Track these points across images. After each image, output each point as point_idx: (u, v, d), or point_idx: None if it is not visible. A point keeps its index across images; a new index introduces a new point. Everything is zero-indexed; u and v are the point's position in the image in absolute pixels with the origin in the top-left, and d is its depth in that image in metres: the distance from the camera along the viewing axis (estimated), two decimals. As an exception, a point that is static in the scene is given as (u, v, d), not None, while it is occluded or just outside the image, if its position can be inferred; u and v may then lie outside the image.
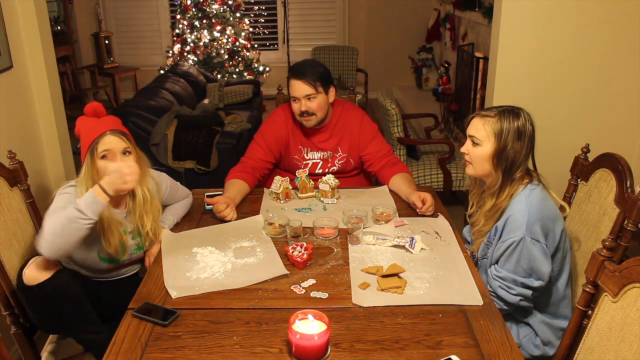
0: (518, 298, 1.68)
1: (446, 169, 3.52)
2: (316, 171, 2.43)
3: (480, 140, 1.72)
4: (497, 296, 1.70)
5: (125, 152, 1.76)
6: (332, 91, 2.33)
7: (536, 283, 1.66)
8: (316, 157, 2.43)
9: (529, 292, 1.67)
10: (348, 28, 7.03)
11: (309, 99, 2.26)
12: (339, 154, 2.43)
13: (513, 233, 1.65)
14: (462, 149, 1.79)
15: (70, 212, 1.56)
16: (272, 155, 2.40)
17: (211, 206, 2.16)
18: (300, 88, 2.25)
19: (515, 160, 1.69)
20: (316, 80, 2.25)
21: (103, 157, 1.73)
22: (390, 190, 2.32)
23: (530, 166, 1.77)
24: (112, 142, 1.74)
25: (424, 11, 6.59)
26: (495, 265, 1.73)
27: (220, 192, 2.25)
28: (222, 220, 2.05)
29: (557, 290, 1.77)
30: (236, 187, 2.23)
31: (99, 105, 1.80)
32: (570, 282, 1.84)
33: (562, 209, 1.78)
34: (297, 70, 2.28)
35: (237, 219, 2.06)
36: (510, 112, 1.70)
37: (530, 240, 1.63)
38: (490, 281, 1.72)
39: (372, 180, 2.61)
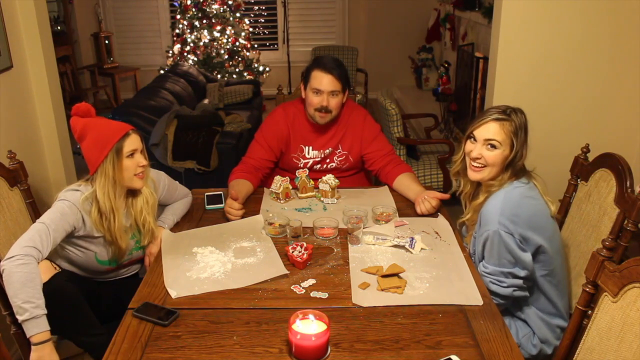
0: (511, 289, 1.68)
1: (446, 169, 3.52)
2: (314, 168, 2.43)
3: (500, 143, 1.71)
4: (490, 292, 1.69)
5: (142, 152, 1.81)
6: (346, 94, 2.33)
7: (522, 272, 1.67)
8: (317, 156, 2.43)
9: (519, 282, 1.68)
10: (348, 28, 7.03)
11: (333, 95, 2.25)
12: (338, 150, 2.43)
13: (487, 226, 1.68)
14: (474, 154, 1.75)
15: (21, 300, 1.50)
16: (273, 154, 2.40)
17: (211, 206, 2.16)
18: (329, 82, 2.22)
19: (522, 159, 1.73)
20: (342, 78, 2.25)
21: (129, 156, 1.75)
22: (392, 190, 2.32)
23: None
24: (136, 142, 1.78)
25: (424, 11, 6.59)
26: (483, 261, 1.74)
27: (221, 192, 2.25)
28: (223, 220, 2.06)
29: (551, 289, 1.76)
30: (244, 188, 2.22)
31: (89, 104, 1.81)
32: (566, 280, 1.84)
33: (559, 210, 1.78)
34: (326, 64, 2.24)
35: (237, 219, 2.06)
36: (515, 111, 1.74)
37: (504, 233, 1.64)
38: (482, 278, 1.72)
39: (372, 179, 2.61)
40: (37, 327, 1.51)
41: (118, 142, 1.73)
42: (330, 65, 2.24)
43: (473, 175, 1.78)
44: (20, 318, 1.51)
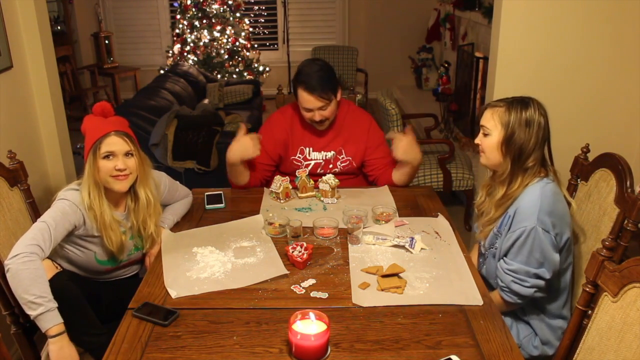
0: (532, 290, 1.66)
1: (446, 169, 3.52)
2: (317, 171, 2.43)
3: (490, 130, 1.73)
4: (510, 291, 1.68)
5: (127, 155, 1.76)
6: (339, 92, 2.32)
7: (548, 274, 1.65)
8: (319, 158, 2.43)
9: (542, 283, 1.66)
10: (348, 28, 7.03)
11: (322, 109, 2.26)
12: (342, 156, 2.42)
13: (524, 222, 1.64)
14: (476, 140, 1.81)
15: (34, 295, 1.52)
16: (271, 159, 2.40)
17: (211, 206, 2.16)
18: (314, 103, 2.22)
19: (523, 148, 1.69)
20: (328, 91, 2.23)
21: (105, 157, 1.73)
22: (392, 190, 2.31)
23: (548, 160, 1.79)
24: (116, 144, 1.74)
25: (424, 11, 6.59)
26: (504, 258, 1.71)
27: (221, 192, 2.25)
28: (223, 220, 2.06)
29: (560, 290, 1.76)
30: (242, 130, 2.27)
31: (108, 104, 1.80)
32: (571, 282, 1.84)
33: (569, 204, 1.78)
34: (307, 83, 2.21)
35: (237, 219, 2.06)
36: (520, 102, 1.71)
37: (542, 230, 1.62)
38: (502, 276, 1.70)
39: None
40: (54, 320, 1.54)
41: (96, 142, 1.73)
42: (313, 84, 2.20)
43: (480, 160, 1.83)
44: (33, 313, 1.52)
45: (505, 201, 1.75)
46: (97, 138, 1.72)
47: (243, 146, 2.20)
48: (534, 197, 1.67)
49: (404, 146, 2.20)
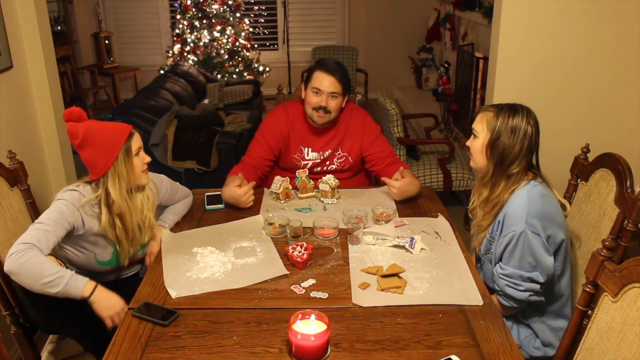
0: (527, 294, 1.66)
1: (446, 169, 3.52)
2: (314, 170, 2.43)
3: (478, 133, 1.76)
4: (505, 295, 1.69)
5: (143, 149, 1.83)
6: (347, 96, 2.34)
7: (542, 278, 1.65)
8: (316, 157, 2.43)
9: (537, 287, 1.66)
10: (348, 28, 7.03)
11: (332, 96, 2.26)
12: (338, 152, 2.43)
13: (513, 226, 1.65)
14: (467, 142, 1.83)
15: (50, 275, 1.53)
16: (271, 153, 2.40)
17: (211, 207, 2.16)
18: (330, 83, 2.24)
19: (506, 154, 1.70)
20: (343, 81, 2.27)
21: (136, 154, 1.78)
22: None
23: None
24: (140, 140, 1.81)
25: (424, 11, 6.59)
26: (500, 263, 1.72)
27: (220, 192, 2.25)
28: (223, 220, 2.05)
29: (559, 292, 1.76)
30: (238, 178, 2.22)
31: (79, 108, 1.79)
32: (571, 283, 1.84)
33: (563, 207, 1.78)
34: (329, 66, 2.26)
35: (237, 219, 2.06)
36: (510, 108, 1.72)
37: (531, 234, 1.62)
38: (497, 280, 1.71)
39: (372, 180, 2.61)
40: (79, 283, 1.57)
41: (126, 142, 1.75)
42: (333, 67, 2.26)
43: (470, 163, 1.86)
44: (59, 289, 1.53)
45: (492, 207, 1.76)
46: (125, 138, 1.74)
47: (235, 199, 2.13)
48: (522, 200, 1.68)
49: (399, 194, 2.17)
